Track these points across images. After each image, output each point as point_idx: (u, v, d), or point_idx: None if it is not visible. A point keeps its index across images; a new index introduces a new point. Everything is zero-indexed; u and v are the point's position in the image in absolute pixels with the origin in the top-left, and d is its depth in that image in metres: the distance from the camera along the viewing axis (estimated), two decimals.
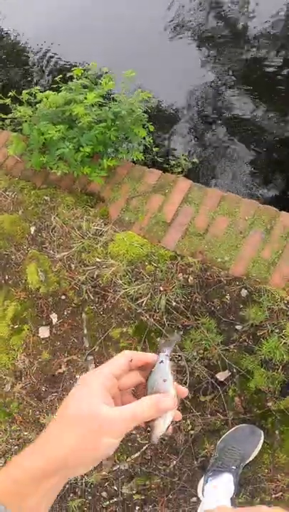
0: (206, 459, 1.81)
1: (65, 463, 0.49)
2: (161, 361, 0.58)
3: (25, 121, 2.14)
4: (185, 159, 2.28)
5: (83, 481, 1.87)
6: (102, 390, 0.52)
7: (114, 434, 0.50)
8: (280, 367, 1.77)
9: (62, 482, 0.52)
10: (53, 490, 0.51)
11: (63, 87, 2.13)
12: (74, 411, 0.51)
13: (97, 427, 0.49)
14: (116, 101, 2.06)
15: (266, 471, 1.77)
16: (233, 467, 1.67)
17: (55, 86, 2.20)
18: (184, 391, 0.57)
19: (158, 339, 1.86)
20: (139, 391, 0.57)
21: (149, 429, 0.54)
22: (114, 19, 3.32)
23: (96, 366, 1.92)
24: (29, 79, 3.35)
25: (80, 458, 0.50)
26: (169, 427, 0.54)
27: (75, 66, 2.18)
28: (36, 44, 3.53)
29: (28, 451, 0.51)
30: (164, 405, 0.53)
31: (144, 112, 2.04)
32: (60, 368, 1.93)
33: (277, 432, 1.78)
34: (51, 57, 3.42)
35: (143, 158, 2.07)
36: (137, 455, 1.84)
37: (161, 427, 0.54)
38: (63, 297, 1.97)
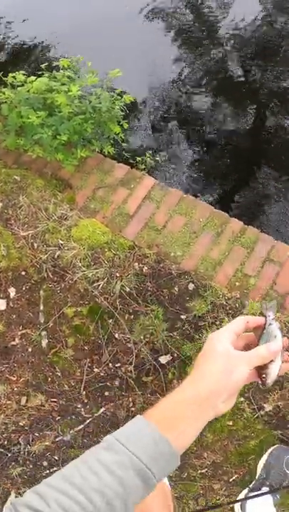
0: None
1: (212, 389, 0.63)
2: (270, 324, 0.71)
3: (5, 102, 2.14)
4: (149, 157, 2.39)
5: (26, 450, 1.91)
6: (227, 340, 0.67)
7: (244, 365, 0.65)
8: None
9: (213, 414, 0.64)
10: (203, 417, 0.63)
11: (46, 75, 2.16)
12: (214, 352, 0.66)
13: (231, 359, 0.65)
14: (96, 95, 2.12)
15: (194, 448, 1.90)
16: None
17: (37, 72, 2.22)
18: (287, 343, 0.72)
19: (110, 321, 1.94)
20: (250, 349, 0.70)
21: (264, 375, 0.68)
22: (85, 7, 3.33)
23: (49, 342, 1.97)
24: (12, 62, 3.31)
25: (222, 383, 0.63)
26: (279, 371, 0.69)
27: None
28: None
29: (180, 386, 0.65)
30: (273, 347, 0.68)
31: (121, 109, 2.12)
32: (14, 340, 1.97)
33: None
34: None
35: (114, 152, 2.15)
36: (80, 427, 1.90)
37: (274, 371, 0.68)
38: (23, 273, 2.01)
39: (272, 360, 0.67)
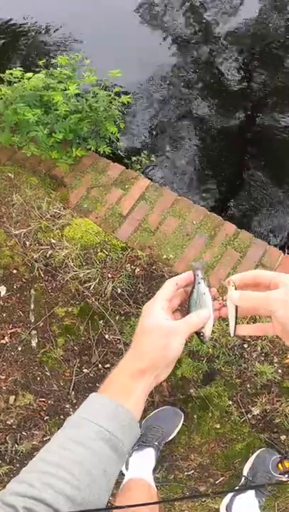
0: None
1: (152, 362, 0.64)
2: (199, 282, 0.70)
3: (1, 98, 2.09)
4: (144, 157, 2.35)
5: (13, 449, 1.87)
6: (161, 311, 0.67)
7: (178, 337, 0.65)
8: (205, 359, 1.88)
9: (154, 383, 0.66)
10: (147, 388, 0.65)
11: (43, 71, 2.11)
12: (146, 327, 0.66)
13: (166, 333, 0.64)
14: (94, 93, 2.08)
15: (182, 450, 1.87)
16: (156, 443, 1.75)
17: (35, 69, 2.17)
18: (215, 293, 0.72)
19: (100, 321, 1.90)
20: (184, 307, 0.72)
21: (201, 334, 0.69)
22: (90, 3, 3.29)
23: (39, 341, 1.93)
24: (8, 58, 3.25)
25: (160, 356, 0.64)
26: (212, 329, 0.70)
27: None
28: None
29: (123, 361, 0.66)
30: (203, 315, 0.68)
31: (118, 109, 2.08)
32: (4, 338, 1.92)
33: (195, 416, 1.89)
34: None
35: (109, 151, 2.10)
36: None
37: (209, 328, 0.69)
38: (14, 271, 1.95)
39: None
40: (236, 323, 0.68)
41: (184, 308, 0.70)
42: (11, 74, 2.14)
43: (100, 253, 1.92)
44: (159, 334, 0.64)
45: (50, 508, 0.52)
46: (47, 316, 1.91)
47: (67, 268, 1.91)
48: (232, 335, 0.69)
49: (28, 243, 1.96)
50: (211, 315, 0.68)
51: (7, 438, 1.93)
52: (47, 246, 1.94)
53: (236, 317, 0.68)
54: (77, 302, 1.91)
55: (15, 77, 2.12)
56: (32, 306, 1.91)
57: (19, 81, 2.11)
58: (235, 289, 0.66)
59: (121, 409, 0.61)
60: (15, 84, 2.12)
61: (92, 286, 1.88)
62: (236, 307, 0.67)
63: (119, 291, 1.88)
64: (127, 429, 0.61)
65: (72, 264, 1.90)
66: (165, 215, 2.00)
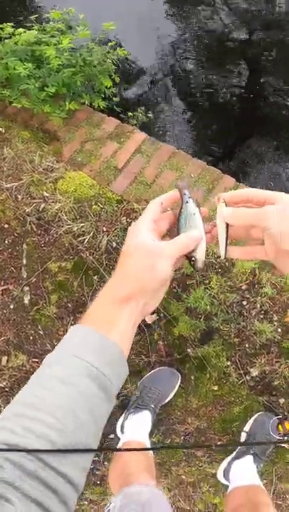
0: (126, 398, 1.82)
1: (139, 284, 0.57)
2: (187, 202, 0.64)
3: None
4: (141, 113, 2.29)
5: None
6: (147, 232, 0.60)
7: (166, 258, 0.58)
8: (203, 316, 1.82)
9: (142, 313, 0.58)
10: (135, 317, 0.57)
11: (36, 27, 2.06)
12: (131, 248, 0.59)
13: (152, 253, 0.57)
14: (87, 48, 2.03)
15: (178, 413, 1.81)
16: (152, 405, 1.69)
17: (28, 25, 2.11)
18: (205, 212, 0.65)
19: (95, 277, 1.84)
20: (172, 232, 0.64)
21: (193, 259, 0.62)
22: None
23: (32, 298, 1.86)
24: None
25: (146, 279, 0.57)
26: (204, 253, 0.63)
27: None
28: None
29: (104, 289, 0.59)
30: (193, 235, 0.61)
31: (113, 63, 2.03)
32: None
33: (192, 377, 1.83)
34: None
35: (105, 106, 2.05)
36: None
37: (202, 252, 0.62)
38: (6, 226, 1.89)
39: None
40: (227, 245, 0.61)
41: (174, 232, 0.64)
42: (1, 29, 2.08)
43: (94, 206, 1.85)
44: (145, 254, 0.57)
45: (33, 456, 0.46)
46: (40, 271, 1.84)
47: (61, 222, 1.84)
48: (222, 257, 0.62)
49: (19, 197, 1.90)
50: (202, 236, 0.61)
51: (0, 401, 1.87)
52: (39, 199, 1.88)
53: (227, 237, 0.61)
54: (70, 257, 1.84)
55: (6, 34, 2.07)
56: (24, 262, 1.85)
57: (10, 38, 2.06)
58: (226, 205, 0.59)
59: (107, 342, 0.54)
60: (5, 41, 2.06)
61: (86, 240, 1.82)
62: (227, 226, 0.60)
63: (114, 245, 1.82)
64: (117, 365, 0.54)
65: (65, 217, 1.84)
66: (162, 168, 1.94)
